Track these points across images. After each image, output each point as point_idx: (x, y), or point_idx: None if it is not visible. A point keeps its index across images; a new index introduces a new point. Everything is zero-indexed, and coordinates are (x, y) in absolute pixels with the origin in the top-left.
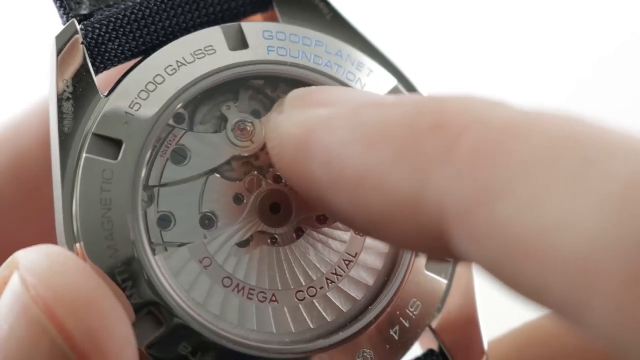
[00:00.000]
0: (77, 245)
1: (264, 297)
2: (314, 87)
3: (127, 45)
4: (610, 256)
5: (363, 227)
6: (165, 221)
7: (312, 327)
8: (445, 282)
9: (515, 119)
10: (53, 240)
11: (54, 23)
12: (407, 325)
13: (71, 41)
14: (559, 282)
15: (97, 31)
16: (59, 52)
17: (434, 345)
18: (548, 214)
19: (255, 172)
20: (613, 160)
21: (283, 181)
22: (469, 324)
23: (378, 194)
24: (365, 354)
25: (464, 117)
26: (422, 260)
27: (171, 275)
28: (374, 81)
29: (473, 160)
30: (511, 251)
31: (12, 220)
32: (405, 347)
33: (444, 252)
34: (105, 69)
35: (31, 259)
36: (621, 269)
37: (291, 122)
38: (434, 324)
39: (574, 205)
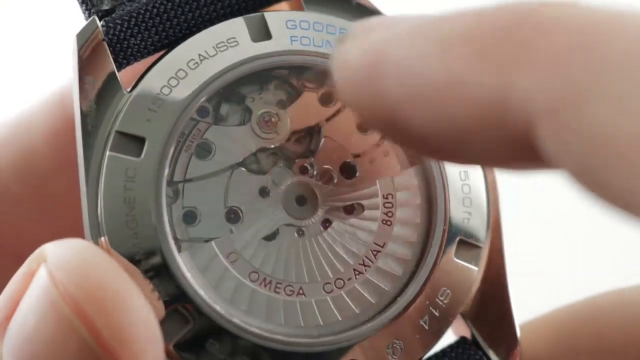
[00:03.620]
0: (102, 238)
1: (291, 291)
2: (374, 17)
3: (150, 40)
4: None
5: (440, 145)
6: (190, 217)
7: (340, 319)
8: (475, 269)
9: (599, 15)
10: (60, 236)
11: (72, 21)
12: (437, 314)
13: (92, 38)
14: None
15: (119, 27)
16: (80, 49)
17: (466, 333)
18: None
19: (281, 164)
20: None
21: (309, 172)
22: (501, 311)
23: (459, 101)
24: (395, 345)
25: (545, 15)
26: (451, 248)
27: (197, 272)
28: None
29: (562, 55)
30: (601, 150)
31: (18, 216)
32: (436, 336)
33: (528, 160)
34: (128, 64)
35: (59, 254)
36: None
37: (359, 46)
38: (466, 312)
39: None
